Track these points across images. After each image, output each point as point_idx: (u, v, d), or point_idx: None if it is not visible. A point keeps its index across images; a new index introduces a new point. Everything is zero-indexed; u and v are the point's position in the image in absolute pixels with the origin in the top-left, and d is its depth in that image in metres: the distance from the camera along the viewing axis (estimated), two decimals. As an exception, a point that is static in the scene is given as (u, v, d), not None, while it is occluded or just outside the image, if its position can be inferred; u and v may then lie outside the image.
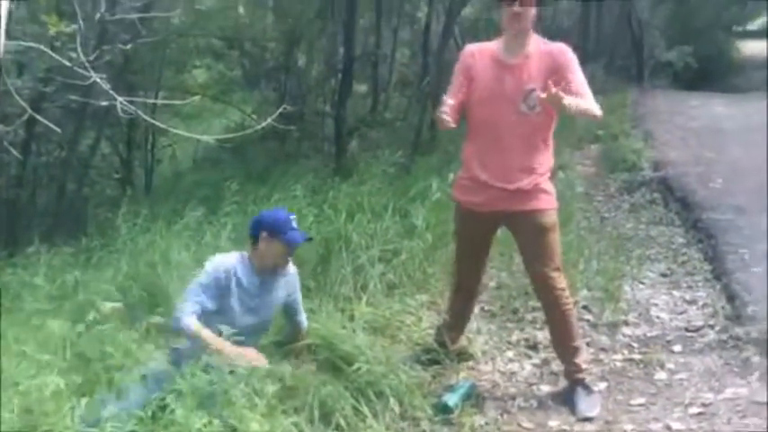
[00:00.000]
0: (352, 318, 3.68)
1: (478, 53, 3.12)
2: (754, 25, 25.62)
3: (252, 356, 2.90)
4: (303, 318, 3.32)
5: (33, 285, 3.88)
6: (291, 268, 3.23)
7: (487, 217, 3.16)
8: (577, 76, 3.00)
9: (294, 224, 3.08)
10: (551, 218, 3.11)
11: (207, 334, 2.87)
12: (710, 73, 16.21)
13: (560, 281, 3.11)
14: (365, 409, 2.85)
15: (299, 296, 3.30)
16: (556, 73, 2.94)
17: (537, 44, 3.04)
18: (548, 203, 3.11)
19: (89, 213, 5.93)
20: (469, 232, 3.28)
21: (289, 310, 3.27)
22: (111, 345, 3.07)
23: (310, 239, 3.25)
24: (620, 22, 14.56)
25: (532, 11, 2.96)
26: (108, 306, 3.43)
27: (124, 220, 4.85)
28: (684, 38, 15.50)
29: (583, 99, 2.97)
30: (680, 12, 16.68)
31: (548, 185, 3.13)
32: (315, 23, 8.30)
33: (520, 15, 2.95)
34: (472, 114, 3.14)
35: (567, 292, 3.15)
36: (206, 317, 2.95)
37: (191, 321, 2.90)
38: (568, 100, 2.81)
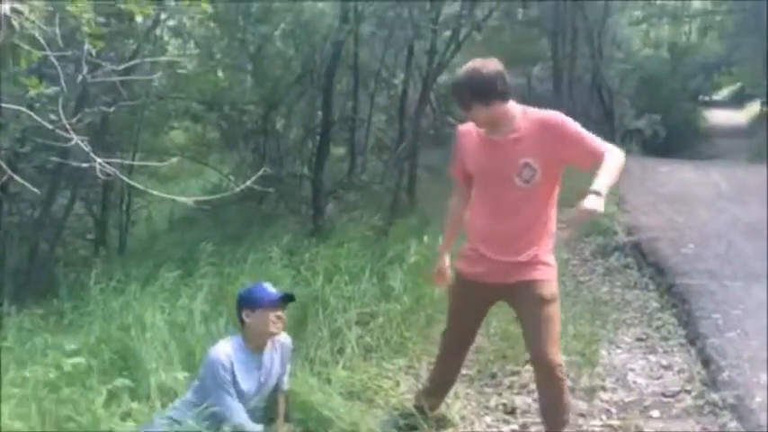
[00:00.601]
0: (328, 382, 3.63)
1: (468, 132, 3.14)
2: (719, 95, 26.57)
3: None
4: (286, 380, 3.31)
5: (2, 347, 3.79)
6: (286, 338, 3.26)
7: (488, 288, 3.12)
8: (582, 140, 2.92)
9: (270, 288, 3.14)
10: (550, 290, 3.04)
11: None
12: (678, 140, 16.68)
13: (558, 356, 3.03)
14: (342, 478, 2.79)
15: (288, 364, 3.31)
16: (555, 145, 2.91)
17: (525, 116, 2.99)
18: (547, 275, 3.05)
19: (61, 274, 5.83)
20: (467, 303, 3.23)
21: (279, 378, 3.27)
22: (74, 409, 3.01)
23: (291, 297, 3.24)
24: (591, 91, 14.98)
25: (482, 111, 2.94)
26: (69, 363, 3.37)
27: (97, 282, 4.79)
28: (653, 107, 16.00)
29: (598, 158, 2.87)
30: (648, 82, 17.26)
31: (548, 257, 3.08)
32: (294, 88, 8.43)
33: (470, 118, 3.02)
34: (474, 187, 3.17)
35: (562, 367, 3.06)
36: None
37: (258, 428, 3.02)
38: (599, 189, 2.77)
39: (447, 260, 3.31)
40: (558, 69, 15.22)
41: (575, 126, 2.96)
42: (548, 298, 3.02)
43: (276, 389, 3.26)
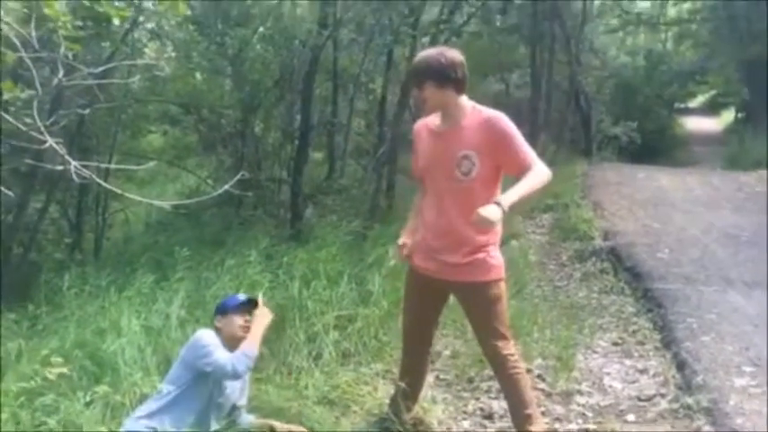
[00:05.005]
0: (305, 388, 3.62)
1: (423, 126, 3.24)
2: (694, 103, 26.94)
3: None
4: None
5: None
6: None
7: (437, 284, 3.19)
8: (515, 144, 3.00)
9: (239, 296, 3.34)
10: (495, 290, 3.10)
11: (253, 344, 3.06)
12: (654, 147, 16.87)
13: (507, 347, 3.11)
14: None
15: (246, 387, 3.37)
16: (492, 142, 3.00)
17: (472, 112, 3.07)
18: (490, 275, 3.10)
19: (35, 279, 5.74)
20: (420, 295, 3.29)
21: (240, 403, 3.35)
22: (53, 416, 2.97)
23: (254, 300, 3.28)
24: (568, 98, 15.10)
25: (434, 92, 3.02)
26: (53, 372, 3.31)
27: (72, 286, 4.72)
28: (629, 114, 16.17)
29: (525, 168, 2.96)
30: (624, 89, 17.46)
31: (491, 257, 3.11)
32: (272, 92, 8.39)
33: (422, 99, 3.10)
34: (425, 180, 3.25)
35: (515, 358, 3.14)
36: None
37: (238, 358, 3.01)
38: (507, 202, 2.83)
39: (409, 240, 3.28)
40: (536, 76, 15.32)
41: (513, 131, 3.02)
42: (492, 298, 3.09)
43: (238, 416, 3.26)
